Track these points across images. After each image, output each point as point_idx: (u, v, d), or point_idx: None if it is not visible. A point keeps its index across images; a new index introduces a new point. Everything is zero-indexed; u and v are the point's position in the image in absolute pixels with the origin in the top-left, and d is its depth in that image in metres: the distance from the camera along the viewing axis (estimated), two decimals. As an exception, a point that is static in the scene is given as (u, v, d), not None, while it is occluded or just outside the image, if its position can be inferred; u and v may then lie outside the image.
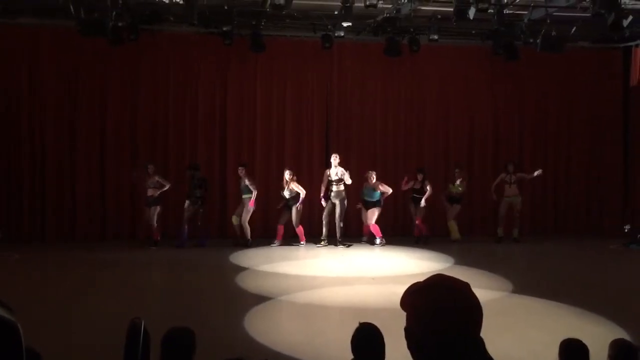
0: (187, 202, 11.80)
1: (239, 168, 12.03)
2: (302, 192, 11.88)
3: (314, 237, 12.31)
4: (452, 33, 12.82)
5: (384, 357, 3.42)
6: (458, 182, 12.71)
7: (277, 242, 12.01)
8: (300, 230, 12.05)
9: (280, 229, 12.07)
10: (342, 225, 12.13)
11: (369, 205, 12.24)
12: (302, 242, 12.09)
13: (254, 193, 11.82)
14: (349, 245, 12.10)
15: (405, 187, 12.60)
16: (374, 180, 12.18)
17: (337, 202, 12.03)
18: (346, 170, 12.02)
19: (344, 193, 12.07)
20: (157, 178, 11.70)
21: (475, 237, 13.09)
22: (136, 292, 8.48)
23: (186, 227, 11.75)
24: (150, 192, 11.67)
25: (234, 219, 12.12)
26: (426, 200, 12.41)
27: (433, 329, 1.48)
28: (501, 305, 7.80)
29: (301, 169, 12.89)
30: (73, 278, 9.29)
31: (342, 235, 12.14)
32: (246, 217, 11.91)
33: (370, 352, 3.42)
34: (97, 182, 12.46)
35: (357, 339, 3.47)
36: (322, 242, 12.09)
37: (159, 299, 8.08)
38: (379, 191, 12.22)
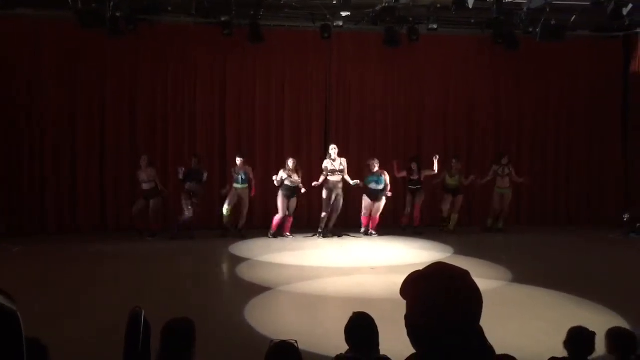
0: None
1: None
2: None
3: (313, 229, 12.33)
4: (451, 22, 12.77)
5: (377, 345, 3.47)
6: (457, 176, 12.67)
7: (287, 234, 12.00)
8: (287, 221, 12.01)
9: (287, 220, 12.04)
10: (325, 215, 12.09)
11: (379, 194, 12.01)
12: (287, 234, 11.99)
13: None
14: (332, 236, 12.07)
15: (399, 175, 12.51)
16: (377, 168, 12.03)
17: (340, 192, 11.97)
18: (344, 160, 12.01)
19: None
20: (150, 171, 11.57)
21: (474, 227, 13.09)
22: (136, 283, 8.49)
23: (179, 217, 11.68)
24: (145, 187, 11.61)
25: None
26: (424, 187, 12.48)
27: (432, 316, 1.49)
28: (501, 294, 7.83)
29: (301, 159, 12.85)
30: (73, 270, 9.29)
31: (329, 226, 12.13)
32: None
33: (363, 340, 3.46)
34: (97, 173, 12.44)
35: (350, 328, 3.52)
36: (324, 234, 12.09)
37: (159, 289, 8.09)
38: (383, 177, 12.00)
